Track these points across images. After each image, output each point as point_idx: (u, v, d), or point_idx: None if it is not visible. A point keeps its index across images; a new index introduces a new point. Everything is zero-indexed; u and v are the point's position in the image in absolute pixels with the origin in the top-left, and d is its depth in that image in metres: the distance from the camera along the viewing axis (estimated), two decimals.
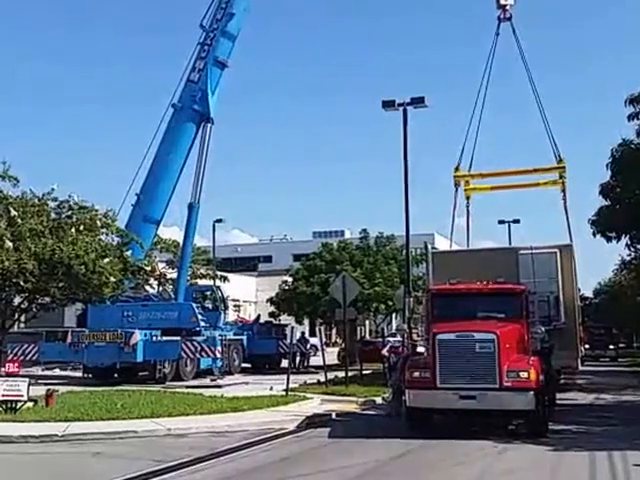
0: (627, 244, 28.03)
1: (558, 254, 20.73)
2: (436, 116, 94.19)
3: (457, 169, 37.89)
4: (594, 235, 26.98)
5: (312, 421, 17.19)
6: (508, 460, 12.69)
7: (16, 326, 23.86)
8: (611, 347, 56.47)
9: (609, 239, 27.00)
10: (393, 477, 11.46)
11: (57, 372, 33.18)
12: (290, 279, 41.05)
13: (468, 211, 39.73)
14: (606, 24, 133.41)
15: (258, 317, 41.14)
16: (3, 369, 19.48)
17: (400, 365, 19.35)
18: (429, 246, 21.60)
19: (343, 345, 37.41)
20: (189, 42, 33.85)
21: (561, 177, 36.81)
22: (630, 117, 23.73)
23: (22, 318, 22.69)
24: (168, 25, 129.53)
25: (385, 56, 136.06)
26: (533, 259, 19.96)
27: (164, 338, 29.47)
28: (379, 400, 21.83)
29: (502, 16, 37.51)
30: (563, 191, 36.73)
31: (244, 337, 35.06)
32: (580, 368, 23.79)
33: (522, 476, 11.28)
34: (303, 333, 40.06)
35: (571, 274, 21.07)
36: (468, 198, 39.58)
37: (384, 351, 22.55)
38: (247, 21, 34.12)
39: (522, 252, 20.44)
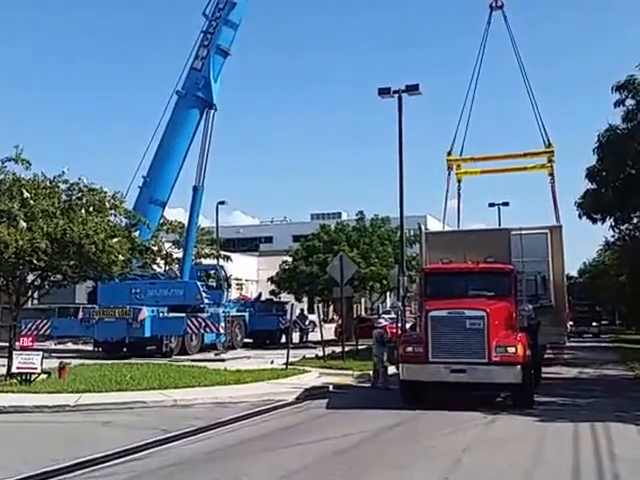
0: (611, 225, 28.08)
1: (549, 235, 20.53)
2: (431, 102, 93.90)
3: (449, 153, 37.83)
4: (580, 217, 27.00)
5: (311, 393, 17.31)
6: (497, 430, 12.82)
7: (30, 302, 23.86)
8: (594, 324, 56.73)
9: (594, 221, 27.01)
10: (388, 445, 11.53)
11: (69, 346, 33.32)
12: (290, 259, 41.06)
13: (459, 194, 39.71)
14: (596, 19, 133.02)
15: (259, 295, 41.20)
16: (18, 343, 19.54)
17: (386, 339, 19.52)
18: (422, 227, 21.49)
19: (340, 322, 37.49)
20: (192, 31, 33.66)
21: (550, 161, 36.75)
22: (616, 104, 23.69)
23: (35, 295, 22.67)
24: (173, 13, 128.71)
25: (382, 45, 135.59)
26: (524, 239, 19.79)
27: (170, 314, 29.66)
28: None
29: (494, 4, 37.44)
30: (551, 175, 36.68)
31: (246, 314, 35.17)
32: (567, 344, 23.79)
33: (511, 444, 11.33)
34: (302, 310, 40.15)
35: (560, 254, 20.94)
36: (459, 181, 39.54)
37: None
38: (249, 10, 33.90)
39: (514, 233, 20.29)
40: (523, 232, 20.16)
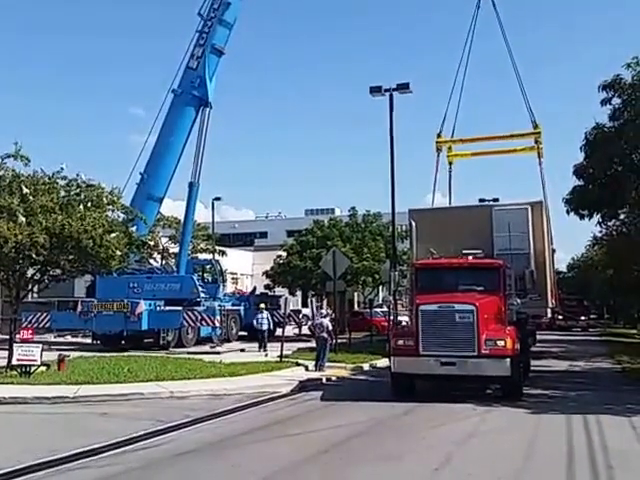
0: (599, 221, 28.25)
1: (529, 210, 20.36)
2: (426, 100, 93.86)
3: (439, 135, 37.58)
4: (568, 213, 27.11)
5: (304, 385, 17.39)
6: (490, 421, 12.83)
7: (30, 296, 23.90)
8: (582, 318, 56.91)
9: (582, 217, 27.13)
10: (381, 436, 11.57)
11: (68, 339, 33.32)
12: (284, 254, 41.13)
13: (450, 176, 39.41)
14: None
15: (254, 289, 41.21)
16: (18, 336, 19.58)
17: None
18: (413, 223, 21.50)
19: (333, 315, 37.61)
20: (189, 30, 33.66)
21: (537, 142, 36.66)
22: (603, 102, 23.77)
23: (35, 289, 22.69)
24: (171, 13, 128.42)
25: (379, 41, 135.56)
26: (506, 215, 19.62)
27: (167, 308, 29.70)
28: (366, 366, 22.05)
29: None
30: (539, 156, 36.55)
31: (241, 307, 35.17)
32: (549, 315, 23.43)
33: (502, 436, 11.38)
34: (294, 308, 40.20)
35: (542, 230, 20.71)
36: (450, 164, 39.32)
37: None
38: (244, 9, 33.95)
39: (496, 208, 20.34)
40: (505, 208, 20.22)
